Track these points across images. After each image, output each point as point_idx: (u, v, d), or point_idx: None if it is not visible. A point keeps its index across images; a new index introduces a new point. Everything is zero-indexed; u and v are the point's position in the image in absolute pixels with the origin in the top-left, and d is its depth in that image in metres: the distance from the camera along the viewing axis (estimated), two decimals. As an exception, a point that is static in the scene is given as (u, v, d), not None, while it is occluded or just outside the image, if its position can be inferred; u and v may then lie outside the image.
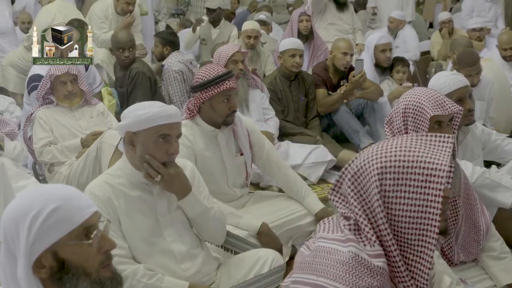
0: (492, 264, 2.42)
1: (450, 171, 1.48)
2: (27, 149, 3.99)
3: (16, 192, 3.03)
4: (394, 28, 7.25)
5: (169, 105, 2.33)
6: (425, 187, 1.44)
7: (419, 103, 2.26)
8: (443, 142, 1.49)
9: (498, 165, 3.35)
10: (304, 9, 6.59)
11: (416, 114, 2.26)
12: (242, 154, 3.10)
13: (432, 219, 1.44)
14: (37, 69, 4.39)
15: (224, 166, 3.05)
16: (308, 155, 4.26)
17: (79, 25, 4.80)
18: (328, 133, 4.88)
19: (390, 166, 1.46)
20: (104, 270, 1.40)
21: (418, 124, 2.25)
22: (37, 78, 4.29)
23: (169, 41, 5.02)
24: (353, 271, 1.44)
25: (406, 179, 1.45)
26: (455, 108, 2.29)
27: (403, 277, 1.49)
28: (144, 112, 2.24)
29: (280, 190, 3.74)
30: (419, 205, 1.45)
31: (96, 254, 1.38)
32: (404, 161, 1.46)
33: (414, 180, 1.45)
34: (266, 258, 2.45)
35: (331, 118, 4.86)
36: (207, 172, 2.90)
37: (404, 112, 2.29)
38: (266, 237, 2.89)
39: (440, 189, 1.43)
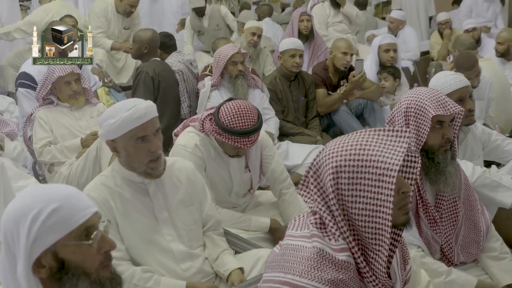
0: (492, 264, 2.42)
1: (409, 166, 1.52)
2: (27, 149, 3.99)
3: (16, 192, 3.03)
4: (394, 28, 7.25)
5: (140, 104, 2.27)
6: (378, 187, 1.47)
7: (422, 102, 2.26)
8: (400, 137, 1.51)
9: (498, 165, 3.35)
10: (305, 8, 6.61)
11: (418, 114, 2.26)
12: (250, 171, 3.07)
13: (385, 218, 1.47)
14: (26, 68, 4.49)
15: (230, 180, 3.02)
16: (308, 155, 4.26)
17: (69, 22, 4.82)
18: (328, 133, 4.88)
19: (345, 166, 1.49)
20: (103, 271, 1.40)
21: (420, 123, 2.25)
22: (24, 76, 4.46)
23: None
24: (318, 266, 1.48)
25: (360, 178, 1.48)
26: (456, 109, 2.28)
27: (365, 272, 1.53)
28: (114, 120, 2.22)
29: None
30: (373, 204, 1.47)
31: (96, 255, 1.38)
32: (358, 160, 1.48)
33: (368, 179, 1.47)
34: (266, 258, 2.45)
35: (331, 118, 4.86)
36: (212, 182, 2.91)
37: (406, 111, 2.29)
38: (279, 232, 2.92)
39: (391, 189, 1.45)
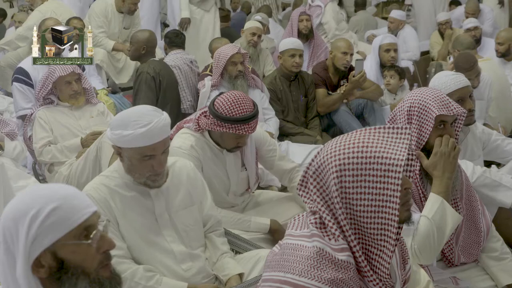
0: (493, 264, 2.42)
1: (408, 164, 1.54)
2: (27, 149, 3.99)
3: (16, 192, 3.02)
4: (394, 28, 7.25)
5: (157, 122, 2.22)
6: (384, 182, 1.47)
7: (425, 102, 2.25)
8: (401, 134, 1.52)
9: (498, 165, 3.35)
10: (304, 8, 6.62)
11: (421, 113, 2.25)
12: (247, 169, 3.08)
13: (392, 214, 1.48)
14: (23, 63, 4.49)
15: (228, 179, 3.03)
16: (308, 155, 4.25)
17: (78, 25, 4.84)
18: (328, 133, 4.88)
19: (349, 163, 1.49)
20: (103, 270, 1.40)
21: (423, 122, 2.24)
22: (19, 71, 4.45)
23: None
24: (318, 265, 1.48)
25: (365, 175, 1.48)
26: (459, 110, 2.28)
27: (366, 271, 1.53)
28: (127, 133, 2.20)
29: (281, 190, 3.74)
30: (379, 200, 1.48)
31: (95, 254, 1.38)
32: (362, 157, 1.49)
33: (373, 175, 1.48)
34: (266, 257, 2.45)
35: (331, 118, 4.86)
36: (209, 182, 2.91)
37: (409, 110, 2.28)
38: (279, 233, 2.92)
39: (398, 184, 1.47)
